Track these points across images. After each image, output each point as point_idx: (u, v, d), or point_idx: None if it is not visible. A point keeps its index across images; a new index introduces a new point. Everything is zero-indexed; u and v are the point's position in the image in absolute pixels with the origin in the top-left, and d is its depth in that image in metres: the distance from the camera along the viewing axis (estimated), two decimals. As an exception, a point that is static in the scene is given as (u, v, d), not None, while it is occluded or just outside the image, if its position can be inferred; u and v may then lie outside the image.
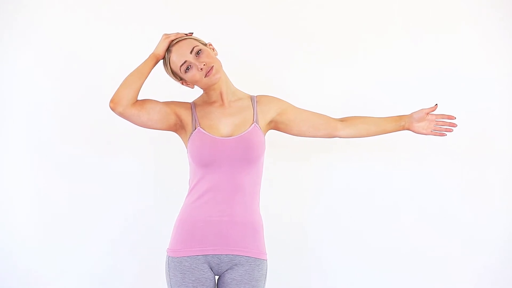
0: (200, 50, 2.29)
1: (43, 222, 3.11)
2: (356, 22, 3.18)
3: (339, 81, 3.16)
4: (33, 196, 3.12)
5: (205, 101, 2.39)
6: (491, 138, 3.15)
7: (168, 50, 2.33)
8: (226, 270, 2.28)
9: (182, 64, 2.29)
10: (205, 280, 2.27)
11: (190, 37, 2.33)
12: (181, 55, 2.29)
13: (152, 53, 2.33)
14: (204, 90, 2.38)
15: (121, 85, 2.27)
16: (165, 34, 2.34)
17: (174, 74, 2.35)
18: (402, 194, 3.15)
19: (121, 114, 2.26)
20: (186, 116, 2.35)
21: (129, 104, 2.24)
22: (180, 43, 2.31)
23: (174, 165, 3.01)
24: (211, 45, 2.38)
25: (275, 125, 2.43)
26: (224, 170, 2.27)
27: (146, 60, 2.32)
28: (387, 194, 3.15)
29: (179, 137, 2.43)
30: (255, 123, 2.34)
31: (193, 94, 2.48)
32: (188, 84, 2.37)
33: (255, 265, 2.28)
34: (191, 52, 2.28)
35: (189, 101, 2.42)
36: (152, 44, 3.11)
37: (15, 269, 3.11)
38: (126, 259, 3.14)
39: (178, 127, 2.37)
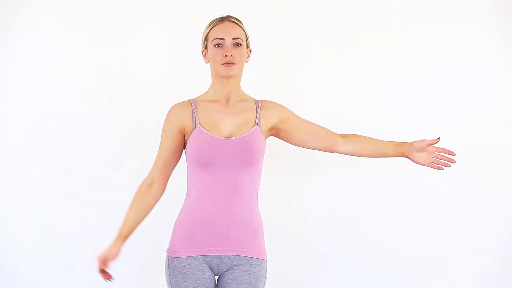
0: (240, 45, 2.32)
1: (43, 223, 3.12)
2: (356, 23, 3.19)
3: (339, 81, 3.16)
4: (33, 197, 3.13)
5: (209, 99, 2.38)
6: (491, 139, 3.16)
7: (221, 19, 2.35)
8: (226, 271, 2.28)
9: (218, 38, 2.30)
10: (205, 280, 2.26)
11: (244, 29, 2.36)
12: (225, 32, 2.31)
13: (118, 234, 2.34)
14: (212, 79, 2.37)
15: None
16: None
17: (205, 39, 2.36)
18: (402, 194, 3.15)
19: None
20: (186, 119, 2.34)
21: (162, 190, 2.38)
22: (233, 24, 2.33)
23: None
24: (250, 51, 2.40)
25: (276, 132, 2.42)
26: (222, 170, 2.27)
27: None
28: (387, 194, 3.15)
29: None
30: (256, 125, 2.34)
31: (193, 94, 2.49)
32: (205, 56, 2.38)
33: (255, 265, 2.28)
34: (233, 39, 2.30)
35: (187, 99, 2.41)
36: (152, 42, 3.14)
37: (15, 269, 3.11)
38: (126, 259, 3.12)
39: (184, 135, 2.37)
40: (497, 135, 3.16)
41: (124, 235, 2.32)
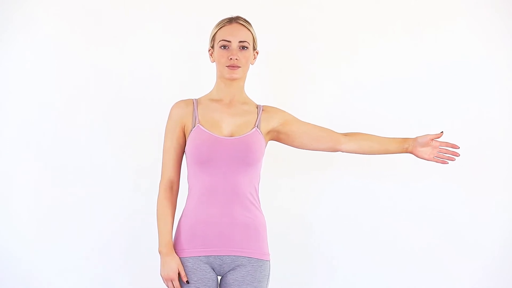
0: (246, 48, 2.32)
1: (44, 223, 3.11)
2: (355, 23, 3.18)
3: (340, 82, 3.17)
4: (33, 196, 3.11)
5: (211, 98, 2.39)
6: (491, 139, 3.16)
7: (229, 20, 2.35)
8: (229, 271, 2.28)
9: (225, 40, 2.31)
10: (207, 280, 2.27)
11: (252, 31, 2.36)
12: (231, 35, 2.31)
13: (160, 250, 2.30)
14: (217, 79, 2.39)
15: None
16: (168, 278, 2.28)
17: (213, 39, 2.37)
18: (406, 194, 3.15)
19: None
20: (186, 117, 2.34)
21: (176, 188, 2.37)
22: (241, 27, 2.33)
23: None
24: (257, 53, 2.41)
25: (277, 135, 2.43)
26: (221, 170, 2.27)
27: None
28: (390, 194, 3.15)
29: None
30: (256, 127, 2.34)
31: (194, 94, 2.48)
32: (211, 55, 2.39)
33: (258, 266, 2.28)
34: (239, 42, 2.31)
35: (192, 98, 2.41)
36: (153, 42, 3.14)
37: (15, 269, 3.10)
38: (127, 259, 3.14)
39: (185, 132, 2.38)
40: (496, 136, 3.16)
41: (171, 244, 2.29)
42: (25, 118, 3.12)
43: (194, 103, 2.37)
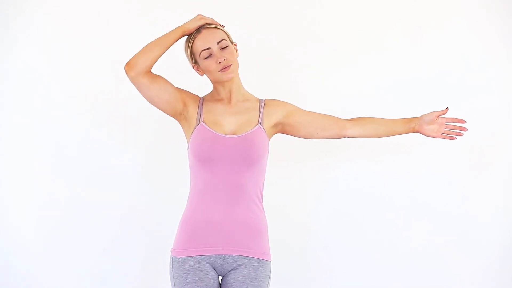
0: (227, 46, 2.30)
1: (43, 223, 3.11)
2: (357, 24, 3.19)
3: (343, 82, 3.17)
4: (33, 197, 3.12)
5: (213, 98, 2.39)
6: (492, 139, 3.17)
7: (197, 30, 2.32)
8: (230, 271, 2.28)
9: (205, 50, 2.29)
10: (208, 280, 2.27)
11: (222, 28, 2.34)
12: (208, 41, 2.29)
13: (180, 26, 2.32)
14: (213, 84, 2.38)
15: (140, 51, 2.27)
16: (201, 15, 2.34)
17: (192, 55, 2.35)
18: (404, 194, 3.16)
19: (132, 79, 2.26)
20: (192, 108, 2.35)
21: (142, 71, 2.25)
22: (211, 30, 2.31)
23: (175, 165, 3.01)
24: (236, 45, 2.39)
25: (282, 127, 2.42)
26: (224, 168, 2.27)
27: (172, 31, 2.31)
28: (389, 194, 3.15)
29: (181, 133, 2.43)
30: (259, 124, 2.34)
31: (201, 88, 2.48)
32: (198, 70, 2.37)
33: (259, 266, 2.28)
34: (218, 43, 2.29)
35: (200, 95, 2.41)
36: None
37: (15, 270, 3.11)
38: (126, 259, 3.14)
39: (182, 118, 2.36)
40: (497, 135, 3.17)
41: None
42: (27, 119, 3.12)
43: (200, 101, 2.37)
